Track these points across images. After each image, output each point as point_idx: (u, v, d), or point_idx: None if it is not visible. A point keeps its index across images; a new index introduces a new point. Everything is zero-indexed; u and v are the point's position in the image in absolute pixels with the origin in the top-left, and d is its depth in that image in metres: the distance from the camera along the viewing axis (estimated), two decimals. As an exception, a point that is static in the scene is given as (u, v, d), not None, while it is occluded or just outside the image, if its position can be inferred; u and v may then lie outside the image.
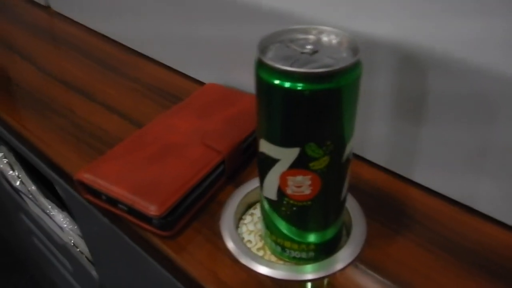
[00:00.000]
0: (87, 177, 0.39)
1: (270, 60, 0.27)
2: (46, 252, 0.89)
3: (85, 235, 0.58)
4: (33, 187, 0.81)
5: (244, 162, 0.45)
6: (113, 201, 0.38)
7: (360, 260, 0.35)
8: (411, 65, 0.36)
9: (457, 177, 0.39)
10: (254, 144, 0.44)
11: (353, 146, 0.32)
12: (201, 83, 0.58)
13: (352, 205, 0.39)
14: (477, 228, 0.37)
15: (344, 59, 0.28)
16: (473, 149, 0.36)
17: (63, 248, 0.71)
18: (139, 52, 0.66)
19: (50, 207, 0.75)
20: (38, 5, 0.84)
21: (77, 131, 0.50)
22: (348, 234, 0.38)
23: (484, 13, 0.32)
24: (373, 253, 0.36)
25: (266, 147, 0.31)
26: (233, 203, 0.40)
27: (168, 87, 0.58)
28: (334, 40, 0.30)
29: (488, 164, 0.36)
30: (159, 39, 0.61)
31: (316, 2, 0.41)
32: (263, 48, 0.29)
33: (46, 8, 0.83)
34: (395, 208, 0.40)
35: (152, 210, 0.36)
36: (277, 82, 0.27)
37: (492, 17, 0.32)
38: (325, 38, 0.30)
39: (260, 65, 0.28)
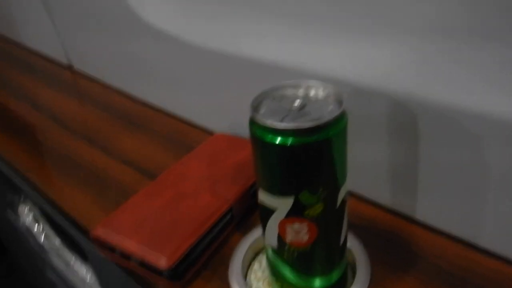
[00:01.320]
0: (101, 234, 0.41)
1: (261, 117, 0.29)
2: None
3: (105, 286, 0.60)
4: (57, 241, 0.84)
5: (253, 207, 0.46)
6: (126, 256, 0.40)
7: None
8: (403, 102, 0.38)
9: (457, 214, 0.40)
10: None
11: (347, 190, 0.33)
12: (211, 132, 0.60)
13: (356, 246, 0.40)
14: (481, 263, 0.38)
15: (331, 111, 0.30)
16: (471, 187, 0.37)
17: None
18: (153, 105, 0.69)
19: (74, 259, 0.78)
20: (62, 65, 0.89)
21: (96, 184, 0.53)
22: (354, 274, 0.38)
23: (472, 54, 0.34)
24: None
25: (264, 196, 0.33)
26: (241, 250, 0.41)
27: (181, 137, 0.61)
28: (321, 93, 0.32)
29: (487, 200, 0.37)
30: (171, 92, 0.65)
31: (314, 56, 0.43)
32: (255, 105, 0.31)
33: (69, 68, 0.88)
34: (399, 246, 0.41)
35: (161, 263, 0.37)
36: (269, 137, 0.29)
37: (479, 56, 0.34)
38: (313, 92, 0.32)
39: (253, 123, 0.30)
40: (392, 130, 0.40)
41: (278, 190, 0.31)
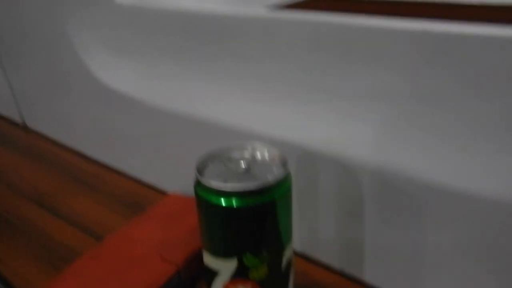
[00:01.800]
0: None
1: (206, 178, 0.30)
2: None
3: None
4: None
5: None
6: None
7: None
8: (348, 170, 0.40)
9: (403, 277, 0.40)
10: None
11: (292, 251, 0.33)
12: (164, 192, 0.60)
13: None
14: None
15: (275, 173, 0.31)
16: (415, 250, 0.38)
17: None
18: (108, 165, 0.69)
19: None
20: (16, 124, 0.88)
21: (40, 249, 0.51)
22: None
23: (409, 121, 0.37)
24: None
25: (208, 259, 0.32)
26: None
27: (134, 198, 0.60)
28: (266, 155, 0.33)
29: (428, 265, 0.38)
30: (126, 152, 0.65)
31: (266, 119, 0.45)
32: (200, 167, 0.32)
33: (24, 127, 0.87)
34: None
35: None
36: (213, 199, 0.30)
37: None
38: (258, 154, 0.33)
39: (198, 184, 0.31)
40: (340, 193, 0.41)
41: (221, 252, 0.31)
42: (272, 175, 0.31)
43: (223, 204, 0.29)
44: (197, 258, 0.44)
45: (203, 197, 0.30)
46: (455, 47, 0.33)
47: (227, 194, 0.29)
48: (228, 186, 0.29)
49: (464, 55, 0.33)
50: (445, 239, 0.36)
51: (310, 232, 0.45)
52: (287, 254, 0.33)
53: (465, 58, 0.33)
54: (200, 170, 0.32)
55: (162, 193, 0.61)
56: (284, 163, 0.32)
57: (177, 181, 0.58)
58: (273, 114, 0.46)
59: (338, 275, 0.44)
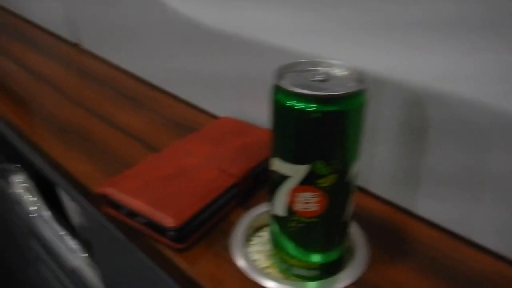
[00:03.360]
0: (108, 190, 0.42)
1: (285, 83, 0.31)
2: (52, 278, 0.90)
3: (98, 256, 0.60)
4: (47, 213, 0.84)
5: (254, 188, 0.47)
6: (132, 214, 0.41)
7: (361, 281, 0.37)
8: (413, 100, 0.40)
9: (455, 209, 0.41)
10: (265, 172, 0.47)
11: (359, 168, 0.35)
12: (215, 117, 0.62)
13: (355, 233, 0.41)
14: (473, 257, 0.39)
15: (351, 87, 0.31)
16: (470, 182, 0.39)
17: (73, 272, 0.73)
18: (159, 88, 0.70)
19: (62, 231, 0.78)
20: (68, 42, 0.90)
21: (99, 153, 0.53)
22: (351, 259, 0.40)
23: (478, 50, 0.36)
24: (374, 276, 0.37)
25: (278, 165, 0.34)
26: (243, 224, 0.43)
27: (185, 120, 0.62)
28: (342, 72, 0.34)
29: (484, 196, 0.38)
30: (176, 75, 0.66)
31: (322, 42, 0.45)
32: (279, 75, 0.33)
33: (75, 46, 0.89)
34: (397, 237, 0.42)
35: (168, 222, 0.38)
36: (291, 103, 0.31)
37: (486, 53, 0.36)
38: (333, 70, 0.34)
39: (277, 89, 0.32)
40: (400, 125, 0.42)
41: (294, 158, 0.32)
42: (348, 87, 0.31)
43: (301, 108, 0.30)
44: (251, 175, 0.46)
45: (281, 101, 0.31)
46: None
47: (305, 99, 0.30)
48: (306, 91, 0.30)
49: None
50: (508, 171, 0.36)
51: (366, 164, 0.46)
52: (353, 168, 0.34)
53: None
54: (279, 77, 0.32)
55: (213, 117, 0.62)
56: (361, 79, 0.32)
57: (229, 107, 0.59)
58: (338, 43, 0.46)
59: (388, 205, 0.46)
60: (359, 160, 0.34)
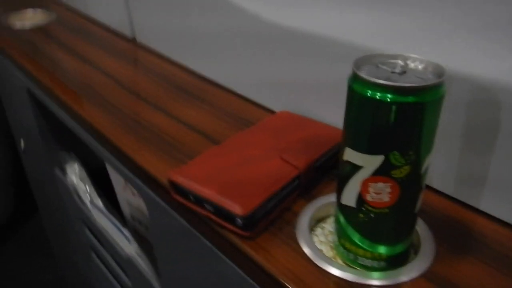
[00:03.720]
0: (178, 178, 0.44)
1: (363, 73, 0.32)
2: (103, 268, 0.93)
3: (156, 244, 0.62)
4: (100, 203, 0.87)
5: (315, 179, 0.48)
6: (201, 201, 0.42)
7: (430, 273, 0.37)
8: (481, 97, 0.39)
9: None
10: (326, 164, 0.48)
11: (429, 163, 0.35)
12: (272, 112, 0.62)
13: (421, 227, 0.41)
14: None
15: (429, 80, 0.32)
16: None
17: (126, 262, 0.75)
18: (215, 82, 0.72)
19: (116, 221, 0.80)
20: (124, 37, 0.93)
21: (162, 144, 0.55)
22: (416, 254, 0.40)
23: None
24: (442, 269, 0.37)
25: (351, 155, 0.34)
26: (306, 214, 0.43)
27: (242, 113, 0.63)
28: (419, 66, 0.34)
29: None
30: (234, 71, 0.67)
31: (386, 37, 0.45)
32: (357, 66, 0.33)
33: (132, 40, 0.91)
34: (462, 232, 0.42)
35: (237, 209, 0.39)
36: (369, 93, 0.31)
37: None
38: (411, 63, 0.34)
39: (355, 79, 0.32)
40: (468, 120, 0.41)
41: (369, 148, 0.33)
42: (427, 80, 0.31)
43: (379, 98, 0.31)
44: (313, 167, 0.47)
45: (359, 91, 0.32)
46: None
47: (384, 89, 0.31)
48: (385, 81, 0.31)
49: None
50: None
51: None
52: (427, 161, 0.34)
53: None
54: (356, 67, 0.33)
55: (269, 111, 0.63)
56: (439, 73, 0.32)
57: (286, 101, 0.60)
58: (403, 34, 0.46)
59: (453, 201, 0.45)
60: (430, 157, 0.34)
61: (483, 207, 0.43)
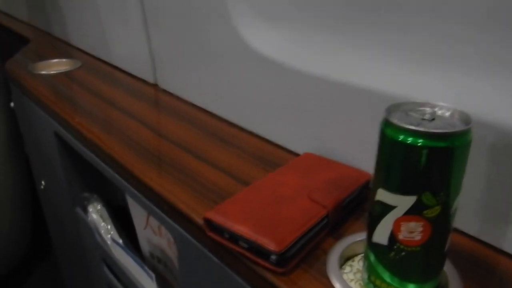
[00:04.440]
0: (214, 216, 0.46)
1: (395, 119, 0.34)
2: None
3: (184, 280, 0.63)
4: (121, 241, 0.88)
5: (342, 218, 0.50)
6: (236, 238, 0.44)
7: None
8: (506, 141, 0.42)
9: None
10: (352, 203, 0.50)
11: (458, 204, 0.37)
12: (296, 154, 0.65)
13: (448, 266, 0.43)
14: None
15: (458, 126, 0.34)
16: None
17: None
18: (237, 125, 0.75)
19: (136, 258, 0.82)
20: (147, 83, 0.97)
21: (193, 183, 0.58)
22: (444, 291, 0.41)
23: None
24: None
25: (383, 195, 0.37)
26: (335, 252, 0.45)
27: (267, 155, 0.65)
28: (446, 113, 0.37)
29: None
30: (255, 112, 0.70)
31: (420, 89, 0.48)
32: (389, 112, 0.36)
33: (154, 86, 0.96)
34: (487, 272, 0.43)
35: (272, 246, 0.41)
36: (401, 138, 0.34)
37: None
38: (439, 111, 0.37)
39: (387, 124, 0.35)
40: (489, 159, 0.44)
41: (402, 189, 0.35)
42: (455, 127, 0.34)
43: (411, 143, 0.33)
44: (340, 205, 0.49)
45: (392, 136, 0.34)
46: None
47: (415, 134, 0.33)
48: (416, 128, 0.33)
49: None
50: None
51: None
52: (456, 201, 0.36)
53: None
54: (388, 113, 0.36)
55: (294, 154, 0.66)
56: (466, 120, 0.35)
57: (310, 143, 0.63)
58: (429, 86, 0.49)
59: (476, 241, 0.47)
60: (461, 194, 0.36)
61: (506, 248, 0.45)
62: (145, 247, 0.88)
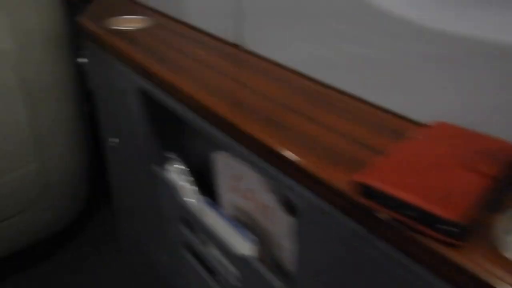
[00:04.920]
0: (372, 180, 0.42)
1: None
2: (198, 267, 0.93)
3: (302, 248, 0.60)
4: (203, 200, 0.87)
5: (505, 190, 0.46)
6: (401, 206, 0.40)
7: None
8: None
9: None
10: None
11: None
12: (413, 122, 0.60)
13: None
14: None
15: None
16: None
17: (239, 260, 0.74)
18: (341, 90, 0.70)
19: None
20: (227, 42, 0.92)
21: (316, 146, 0.54)
22: None
23: None
24: None
25: None
26: (501, 225, 0.41)
27: (388, 123, 0.61)
28: None
29: None
30: (372, 80, 0.66)
31: None
32: None
33: (236, 46, 0.90)
34: None
35: (453, 215, 0.38)
36: None
37: None
38: None
39: None
40: None
41: None
42: None
43: None
44: (508, 175, 0.45)
45: None
46: None
47: None
48: None
49: None
50: None
51: None
52: None
53: None
54: None
55: (412, 122, 0.61)
56: None
57: (440, 112, 0.58)
58: None
59: None
60: None
61: None
62: (228, 210, 0.87)
